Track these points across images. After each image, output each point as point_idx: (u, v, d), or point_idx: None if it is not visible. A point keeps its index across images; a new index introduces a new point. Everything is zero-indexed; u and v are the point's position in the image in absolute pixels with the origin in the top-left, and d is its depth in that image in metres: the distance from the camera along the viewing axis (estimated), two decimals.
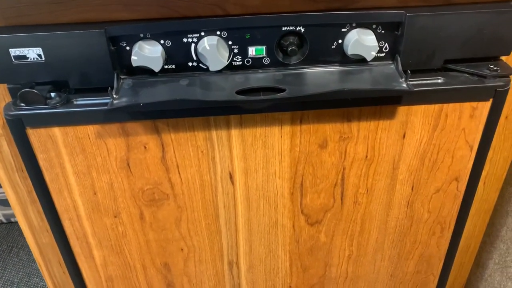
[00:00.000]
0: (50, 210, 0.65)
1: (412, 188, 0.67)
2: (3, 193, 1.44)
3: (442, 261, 0.77)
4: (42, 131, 0.57)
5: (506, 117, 0.67)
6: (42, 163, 0.60)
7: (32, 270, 1.37)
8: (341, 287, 0.79)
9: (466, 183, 0.67)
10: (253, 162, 0.62)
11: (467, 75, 0.59)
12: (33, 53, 0.54)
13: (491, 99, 0.59)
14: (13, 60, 0.54)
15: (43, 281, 1.34)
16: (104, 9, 0.54)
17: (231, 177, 0.64)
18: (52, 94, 0.56)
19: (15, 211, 0.71)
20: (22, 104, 0.55)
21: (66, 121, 0.57)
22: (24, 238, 1.48)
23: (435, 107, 0.60)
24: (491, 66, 0.58)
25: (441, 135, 0.62)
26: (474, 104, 0.60)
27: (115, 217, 0.66)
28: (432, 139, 0.62)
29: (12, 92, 0.57)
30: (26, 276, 1.35)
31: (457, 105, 0.60)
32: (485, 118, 0.61)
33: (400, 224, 0.71)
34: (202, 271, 0.74)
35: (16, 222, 1.53)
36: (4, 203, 1.47)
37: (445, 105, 0.59)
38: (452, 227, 0.72)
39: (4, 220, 1.52)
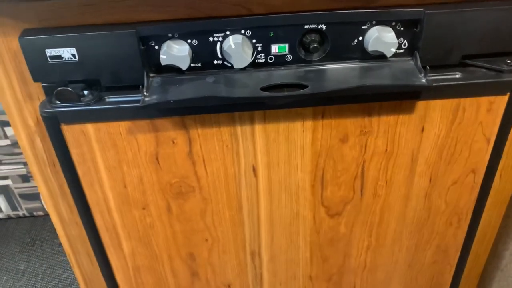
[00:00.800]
0: (81, 203, 0.68)
1: (430, 180, 0.69)
2: (26, 187, 1.49)
3: (459, 251, 0.79)
4: (76, 127, 0.60)
5: None
6: (75, 158, 0.63)
7: (55, 262, 1.41)
8: (359, 277, 0.81)
9: (483, 175, 0.69)
10: (275, 156, 0.65)
11: (485, 70, 0.60)
12: (67, 53, 0.56)
13: (508, 94, 0.61)
14: (49, 60, 0.56)
15: (66, 273, 1.38)
16: (134, 10, 0.56)
17: (254, 170, 0.66)
18: (85, 92, 0.59)
19: (46, 204, 0.74)
20: (57, 102, 0.58)
21: (99, 117, 0.60)
22: (47, 231, 1.52)
23: (453, 101, 0.61)
24: (508, 61, 0.60)
25: (458, 129, 0.64)
26: (491, 98, 0.61)
27: (144, 209, 0.69)
28: (450, 132, 0.64)
29: (47, 91, 0.60)
30: (50, 268, 1.40)
31: (474, 99, 0.61)
32: (502, 112, 0.62)
33: (418, 215, 0.73)
34: (225, 261, 0.77)
35: (39, 216, 1.57)
36: (27, 197, 1.51)
37: (462, 99, 0.61)
38: (468, 218, 0.74)
39: (27, 214, 1.56)
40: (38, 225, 1.54)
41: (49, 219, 1.54)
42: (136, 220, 0.70)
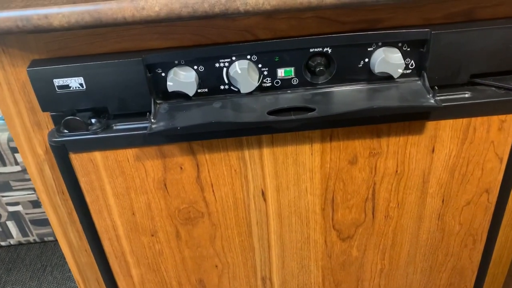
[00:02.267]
0: (90, 230, 0.67)
1: (443, 201, 0.68)
2: (37, 213, 1.49)
3: (475, 273, 0.77)
4: (84, 155, 0.60)
5: None
6: (83, 185, 0.63)
7: None
8: None
9: (497, 194, 0.67)
10: (284, 179, 0.64)
11: (494, 89, 0.60)
12: (75, 83, 0.57)
13: None
14: (57, 89, 0.57)
15: None
16: (141, 38, 0.57)
17: (263, 194, 0.65)
18: (93, 120, 0.59)
19: (55, 231, 0.74)
20: (65, 131, 0.59)
21: (107, 145, 0.60)
22: (57, 257, 1.52)
23: (463, 121, 0.60)
24: None
25: (470, 148, 0.63)
26: (502, 117, 0.60)
27: (152, 235, 0.68)
28: (461, 152, 0.63)
29: (55, 119, 0.60)
30: None
31: (485, 118, 0.60)
32: None
33: (432, 236, 0.71)
34: (236, 287, 0.75)
35: (50, 242, 1.57)
36: (37, 223, 1.51)
37: (473, 118, 0.60)
38: (484, 239, 0.72)
39: (37, 240, 1.56)
40: (49, 250, 1.54)
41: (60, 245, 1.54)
42: (145, 247, 0.69)
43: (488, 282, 0.88)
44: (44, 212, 1.49)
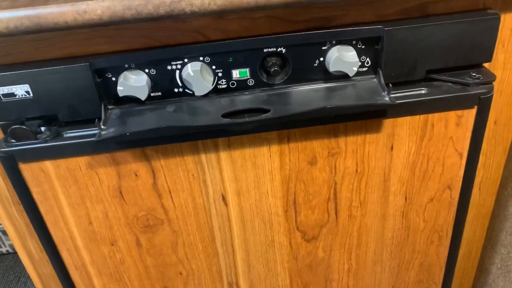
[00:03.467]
0: (47, 242, 0.65)
1: (406, 199, 0.67)
2: None
3: (443, 269, 0.77)
4: (34, 165, 0.58)
5: (495, 122, 0.68)
6: (36, 196, 0.61)
7: None
8: None
9: (459, 190, 0.67)
10: (244, 182, 0.63)
11: (450, 84, 0.59)
12: (21, 90, 0.55)
13: (475, 107, 0.60)
14: (2, 98, 0.55)
15: None
16: (88, 43, 0.55)
17: (223, 198, 0.64)
18: (42, 129, 0.57)
19: (14, 244, 0.71)
20: (13, 141, 0.56)
21: (57, 154, 0.58)
22: None
23: (421, 117, 0.60)
24: (473, 74, 0.59)
25: (429, 145, 0.62)
26: (459, 112, 0.60)
27: (112, 245, 0.66)
28: (420, 149, 0.62)
29: (3, 129, 0.58)
30: None
31: (442, 114, 0.60)
32: (472, 125, 0.61)
33: (397, 234, 0.71)
34: None
35: None
36: None
37: (430, 115, 0.60)
38: (449, 234, 0.72)
39: (10, 251, 1.53)
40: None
41: None
42: (106, 257, 0.67)
43: (459, 277, 0.89)
44: None
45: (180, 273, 0.71)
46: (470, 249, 0.84)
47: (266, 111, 0.56)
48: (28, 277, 1.44)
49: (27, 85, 0.55)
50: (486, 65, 0.60)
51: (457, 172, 0.65)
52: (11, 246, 1.51)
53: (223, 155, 0.60)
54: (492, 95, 0.58)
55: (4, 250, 1.52)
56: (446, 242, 0.73)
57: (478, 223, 0.80)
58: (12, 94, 0.55)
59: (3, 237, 1.48)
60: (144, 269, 0.70)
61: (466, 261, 0.86)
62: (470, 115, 0.60)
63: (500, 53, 0.61)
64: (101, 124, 0.55)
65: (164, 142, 0.58)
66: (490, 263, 0.87)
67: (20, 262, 1.50)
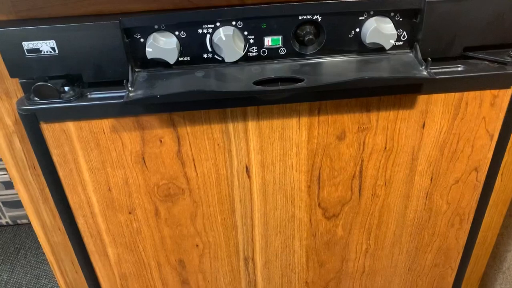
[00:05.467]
0: (63, 207, 0.64)
1: (431, 179, 0.66)
2: (9, 194, 1.43)
3: (461, 254, 0.76)
4: (56, 125, 0.56)
5: None
6: (55, 158, 0.59)
7: (40, 271, 1.36)
8: (358, 282, 0.78)
9: (485, 173, 0.66)
10: (270, 154, 0.61)
11: (487, 63, 0.58)
12: (46, 46, 0.53)
13: None
14: (26, 53, 0.53)
15: (52, 283, 1.33)
16: (118, 0, 0.53)
17: (247, 170, 0.63)
18: (66, 88, 0.56)
19: (27, 209, 0.70)
20: (36, 99, 0.54)
21: (80, 115, 0.56)
22: (31, 240, 1.47)
23: (455, 95, 0.59)
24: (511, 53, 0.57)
25: (461, 124, 0.61)
26: (494, 92, 0.59)
27: (130, 213, 0.65)
28: (452, 128, 0.61)
29: (25, 87, 0.56)
30: (34, 278, 1.34)
31: (477, 93, 0.59)
32: (506, 106, 0.60)
33: (419, 216, 0.70)
34: (217, 268, 0.73)
35: (23, 224, 1.52)
36: (11, 205, 1.46)
37: (465, 93, 0.58)
38: (471, 218, 0.71)
39: (10, 222, 1.51)
40: (22, 233, 1.49)
41: None
42: (122, 225, 0.66)
43: (472, 264, 0.88)
44: (17, 193, 1.43)
45: (197, 246, 0.70)
46: (485, 235, 0.83)
47: (299, 80, 0.54)
48: (28, 250, 1.43)
49: (53, 41, 0.52)
50: None
51: (486, 154, 0.64)
52: (11, 217, 1.49)
53: (251, 124, 0.59)
54: None
55: (3, 221, 1.50)
56: (467, 226, 0.72)
57: (496, 209, 0.80)
58: (37, 50, 0.53)
59: (3, 209, 1.46)
60: (160, 240, 0.68)
61: (480, 247, 0.85)
62: (505, 95, 0.59)
63: None
64: (129, 85, 0.53)
65: (192, 108, 0.56)
66: (506, 250, 0.86)
67: (20, 234, 1.48)
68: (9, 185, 1.41)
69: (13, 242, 1.46)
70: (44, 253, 1.40)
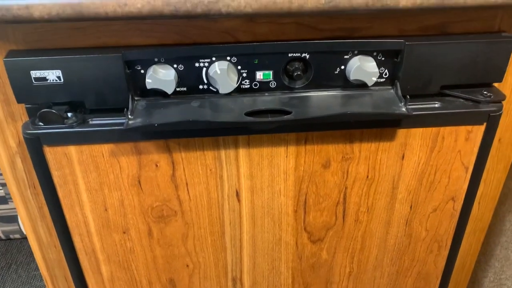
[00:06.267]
0: (61, 226, 0.67)
1: (411, 207, 0.70)
2: (3, 210, 1.45)
3: (439, 279, 0.79)
4: (58, 149, 0.60)
5: (499, 140, 0.71)
6: (56, 180, 0.62)
7: (31, 287, 1.37)
8: None
9: (462, 202, 0.70)
10: (259, 180, 0.65)
11: (462, 100, 0.62)
12: (52, 75, 0.56)
13: (485, 123, 0.63)
14: (33, 81, 0.56)
15: None
16: (121, 34, 0.57)
17: (237, 194, 0.66)
18: (69, 114, 0.59)
19: (25, 226, 0.72)
20: (41, 124, 0.58)
21: (82, 140, 0.59)
22: (23, 255, 1.48)
23: (433, 130, 0.63)
24: (485, 92, 0.62)
25: (438, 157, 0.65)
26: (469, 127, 0.63)
27: (124, 233, 0.68)
28: (429, 160, 0.65)
29: (30, 112, 0.60)
30: None
31: (453, 128, 0.63)
32: (480, 141, 0.64)
33: (399, 242, 0.74)
34: (206, 287, 0.76)
35: (15, 239, 1.53)
36: (3, 219, 1.47)
37: (442, 128, 0.63)
38: (448, 245, 0.75)
39: (3, 237, 1.52)
40: (14, 248, 1.50)
41: (26, 243, 1.51)
42: (116, 244, 0.69)
43: None
44: (11, 209, 1.45)
45: (187, 266, 0.73)
46: (464, 262, 0.87)
47: (288, 112, 0.58)
48: (19, 265, 1.44)
49: (59, 70, 0.56)
50: (496, 85, 0.64)
51: (462, 185, 0.68)
52: (4, 232, 1.50)
53: (242, 152, 0.62)
54: (501, 113, 0.62)
55: None
56: (445, 252, 0.76)
57: (474, 237, 0.83)
58: (44, 79, 0.56)
59: None
60: (152, 259, 0.71)
61: (459, 273, 0.89)
62: (479, 131, 0.63)
63: (510, 75, 0.65)
64: (129, 113, 0.57)
65: (187, 136, 0.60)
66: (483, 276, 0.90)
67: (12, 249, 1.49)
68: (3, 200, 1.43)
69: (5, 257, 1.47)
70: (35, 269, 1.42)
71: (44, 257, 0.76)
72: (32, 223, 0.72)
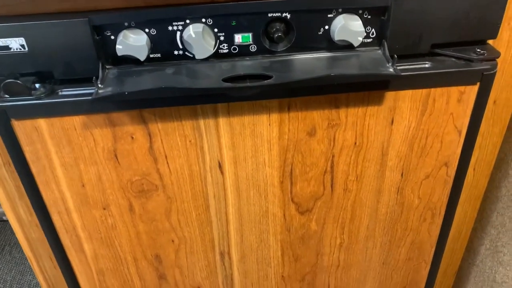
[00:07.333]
0: (38, 204, 0.64)
1: (402, 175, 0.67)
2: None
3: (434, 248, 0.77)
4: (27, 122, 0.57)
5: (494, 102, 0.68)
6: (28, 155, 0.59)
7: (25, 268, 1.37)
8: (333, 275, 0.79)
9: (455, 168, 0.67)
10: (242, 151, 0.62)
11: (454, 59, 0.59)
12: (15, 43, 0.53)
13: (478, 83, 0.59)
14: None
15: (36, 279, 1.33)
16: None
17: (220, 166, 0.63)
18: (37, 85, 0.56)
19: (3, 206, 0.70)
20: (6, 96, 0.55)
21: (52, 112, 0.56)
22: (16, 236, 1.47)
23: (423, 91, 0.59)
24: (478, 50, 0.58)
25: (429, 120, 0.62)
26: (461, 88, 0.60)
27: (104, 209, 0.65)
28: (420, 124, 0.62)
29: None
30: (19, 274, 1.35)
31: (444, 89, 0.59)
32: (473, 102, 0.61)
33: (391, 210, 0.71)
34: (193, 262, 0.74)
35: (8, 220, 1.52)
36: None
37: (432, 89, 0.59)
38: (442, 213, 0.72)
39: None
40: (8, 229, 1.49)
41: None
42: (97, 221, 0.66)
43: (447, 257, 0.90)
44: None
45: (172, 241, 0.70)
46: (460, 230, 0.85)
47: (269, 77, 0.55)
48: (13, 246, 1.43)
49: (22, 38, 0.53)
50: (490, 42, 0.60)
51: (455, 149, 0.65)
52: None
53: (222, 121, 0.59)
54: (495, 72, 0.58)
55: None
56: (439, 221, 0.73)
57: (470, 204, 0.81)
58: (7, 47, 0.53)
59: None
60: (135, 235, 0.69)
61: (455, 242, 0.87)
62: (472, 91, 0.60)
63: (505, 31, 0.61)
64: (99, 82, 0.54)
65: (162, 105, 0.57)
66: (479, 244, 0.88)
67: (5, 231, 1.48)
68: None
69: None
70: None
71: (26, 237, 0.74)
72: (10, 203, 0.70)
